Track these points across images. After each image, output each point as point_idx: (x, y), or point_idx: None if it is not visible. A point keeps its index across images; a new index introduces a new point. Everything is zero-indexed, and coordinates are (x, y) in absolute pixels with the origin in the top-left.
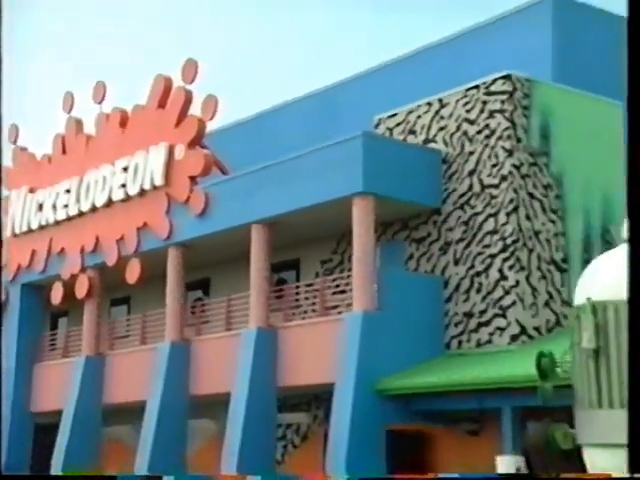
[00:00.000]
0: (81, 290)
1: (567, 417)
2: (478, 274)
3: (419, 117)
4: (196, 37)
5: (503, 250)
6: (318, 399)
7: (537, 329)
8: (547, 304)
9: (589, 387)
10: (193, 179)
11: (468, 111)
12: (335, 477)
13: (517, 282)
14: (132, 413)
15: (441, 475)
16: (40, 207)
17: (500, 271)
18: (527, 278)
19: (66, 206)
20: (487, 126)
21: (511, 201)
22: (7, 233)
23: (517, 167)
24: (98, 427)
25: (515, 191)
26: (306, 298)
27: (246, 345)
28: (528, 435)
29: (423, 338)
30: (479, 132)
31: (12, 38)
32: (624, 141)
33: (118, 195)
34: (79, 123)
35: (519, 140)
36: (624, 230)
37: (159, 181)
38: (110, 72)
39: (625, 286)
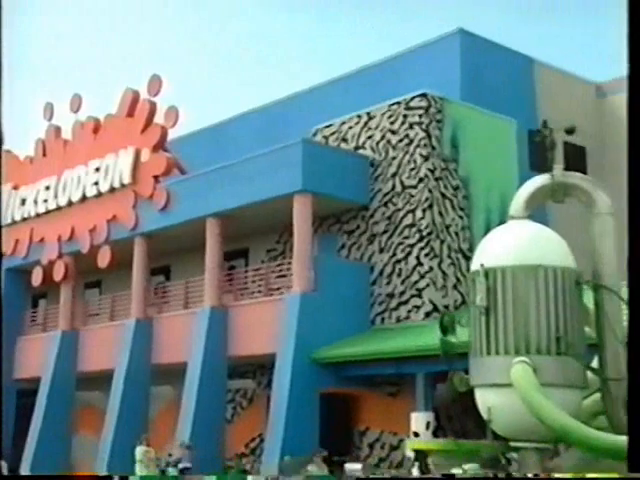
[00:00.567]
0: (58, 274)
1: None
2: (399, 261)
3: (350, 127)
4: (162, 52)
5: (419, 241)
6: (262, 367)
7: (447, 307)
8: (455, 286)
9: (480, 338)
10: (156, 178)
11: (391, 123)
12: None
13: (431, 268)
14: (102, 380)
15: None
16: (23, 202)
17: (417, 258)
18: (439, 265)
19: (45, 201)
20: (407, 136)
21: (426, 200)
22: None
23: (432, 171)
24: (72, 392)
25: (430, 191)
26: (253, 281)
27: (201, 321)
28: (437, 394)
29: (352, 315)
30: (400, 141)
31: None
32: (516, 151)
33: (91, 192)
34: (57, 129)
35: (433, 148)
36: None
37: (127, 180)
38: (85, 85)
39: (510, 254)
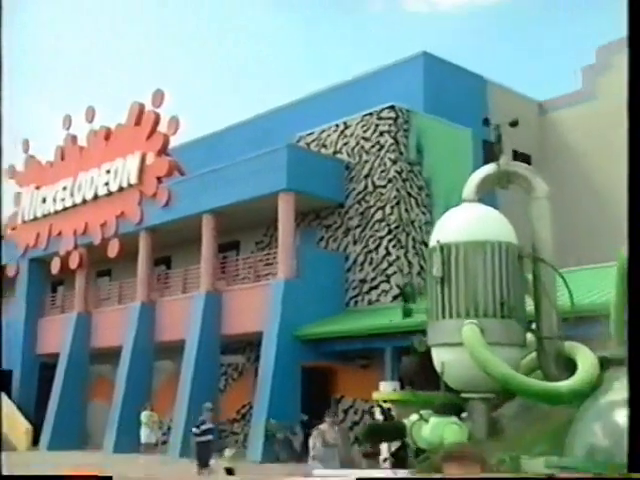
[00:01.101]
0: (74, 263)
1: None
2: (370, 251)
3: (329, 135)
4: (166, 70)
5: (388, 234)
6: (251, 344)
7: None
8: (419, 273)
9: (436, 304)
10: (159, 179)
11: (364, 131)
12: None
13: (398, 257)
14: (112, 355)
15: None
16: (44, 200)
17: (386, 249)
18: (405, 254)
19: (63, 199)
20: (378, 142)
21: (395, 198)
22: (19, 220)
23: (399, 173)
24: (86, 366)
25: (398, 190)
26: (243, 269)
27: (197, 304)
28: (402, 366)
29: (329, 298)
30: (372, 147)
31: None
32: (471, 156)
33: (102, 191)
34: (74, 137)
35: (400, 153)
36: (464, 194)
37: (133, 180)
38: (98, 97)
39: (462, 232)
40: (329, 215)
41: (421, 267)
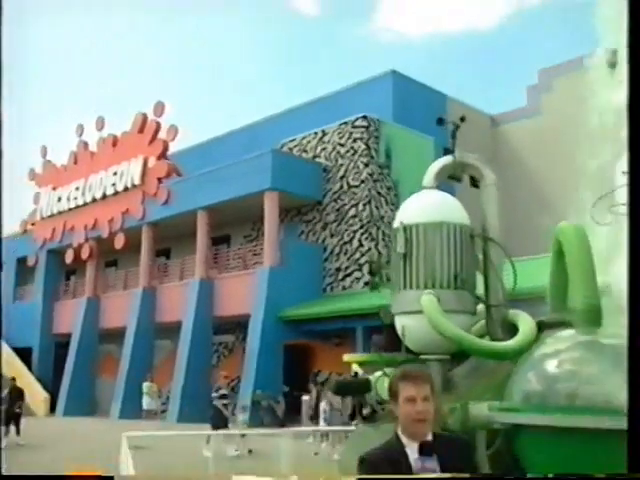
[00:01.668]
0: (85, 254)
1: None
2: (345, 243)
3: (309, 142)
4: (167, 83)
5: (361, 228)
6: (240, 325)
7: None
8: (388, 262)
9: (399, 277)
10: (160, 180)
11: (340, 138)
12: None
13: (369, 248)
14: (118, 335)
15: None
16: (59, 199)
17: (359, 241)
18: (375, 246)
19: (76, 198)
20: (352, 148)
21: (366, 197)
22: (37, 217)
23: (370, 175)
24: (96, 344)
25: (369, 190)
26: (234, 259)
27: (193, 290)
28: (372, 343)
29: (309, 284)
30: (347, 151)
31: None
32: (432, 161)
33: (110, 191)
34: (85, 144)
35: (372, 157)
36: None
37: (137, 181)
38: (107, 108)
39: (422, 214)
40: (309, 211)
41: (390, 257)
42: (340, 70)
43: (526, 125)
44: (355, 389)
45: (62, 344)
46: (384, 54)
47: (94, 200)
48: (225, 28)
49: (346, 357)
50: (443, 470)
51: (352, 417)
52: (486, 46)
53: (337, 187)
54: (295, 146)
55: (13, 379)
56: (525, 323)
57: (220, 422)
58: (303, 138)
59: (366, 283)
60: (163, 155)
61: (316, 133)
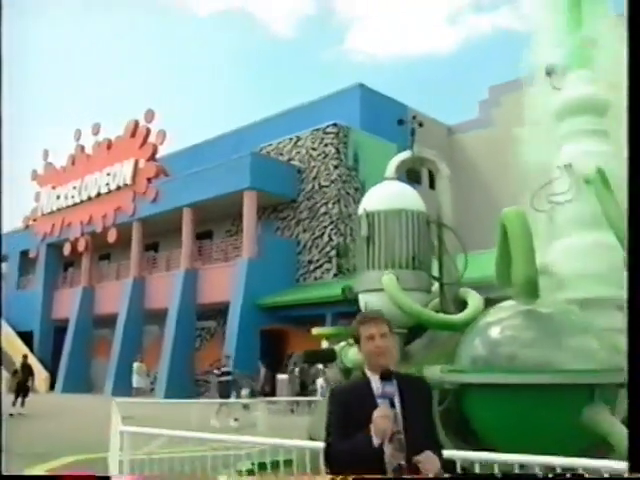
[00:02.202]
0: (81, 247)
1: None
2: (316, 238)
3: (285, 146)
4: (158, 93)
5: (331, 224)
6: (221, 311)
7: (348, 270)
8: (354, 255)
9: (363, 258)
10: (149, 180)
11: (313, 143)
12: None
13: (338, 243)
14: (111, 321)
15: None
16: (58, 197)
17: (329, 236)
18: (344, 241)
19: (73, 197)
20: (323, 152)
21: (336, 196)
22: (38, 214)
23: (340, 176)
24: (91, 329)
25: (339, 190)
26: (216, 252)
27: (178, 280)
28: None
29: (283, 275)
30: (319, 155)
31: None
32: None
33: (104, 190)
34: (82, 147)
35: (341, 161)
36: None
37: (128, 181)
38: (101, 115)
39: (384, 202)
40: (284, 209)
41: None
42: (314, 86)
43: (478, 134)
44: (322, 357)
45: (60, 328)
46: (354, 72)
47: (89, 198)
48: (213, 49)
49: (315, 330)
50: (405, 405)
51: (302, 388)
52: (444, 66)
53: (310, 187)
54: (272, 150)
55: (25, 356)
56: (474, 299)
57: (224, 395)
58: (279, 143)
59: (335, 274)
60: (152, 157)
61: (291, 138)
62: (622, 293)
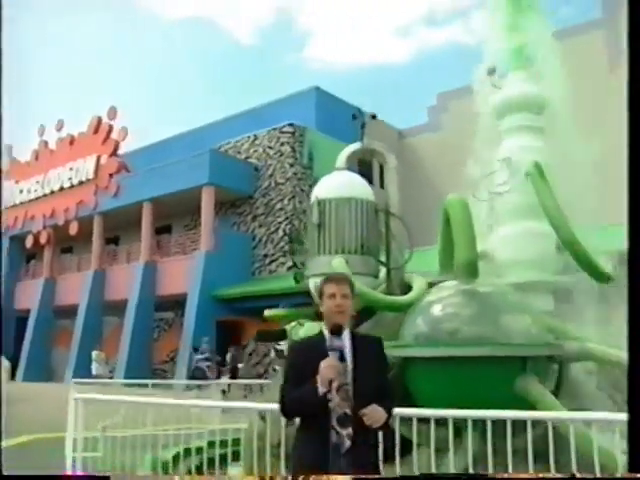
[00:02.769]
0: (43, 239)
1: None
2: (272, 233)
3: (242, 144)
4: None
5: (286, 219)
6: (179, 303)
7: (302, 263)
8: (307, 250)
9: (314, 243)
10: (111, 175)
11: (269, 141)
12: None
13: (291, 228)
14: (72, 311)
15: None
16: (21, 191)
17: (284, 231)
18: (296, 227)
19: (36, 190)
20: (279, 150)
21: (291, 192)
22: (2, 207)
23: (295, 174)
24: (52, 319)
25: (294, 187)
26: (174, 245)
27: (138, 272)
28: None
29: (239, 268)
30: (275, 153)
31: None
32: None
33: (66, 184)
34: (46, 143)
35: (296, 159)
36: (336, 164)
37: (91, 176)
38: (65, 111)
39: (334, 190)
40: (241, 205)
41: (312, 244)
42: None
43: (427, 138)
44: (274, 336)
45: (22, 319)
46: (311, 78)
47: (52, 192)
48: (178, 52)
49: (267, 312)
50: (356, 360)
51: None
52: (397, 74)
53: (266, 184)
54: (230, 148)
55: None
56: (418, 283)
57: (204, 380)
58: (237, 141)
59: (289, 268)
60: (114, 153)
61: (249, 137)
62: (555, 278)
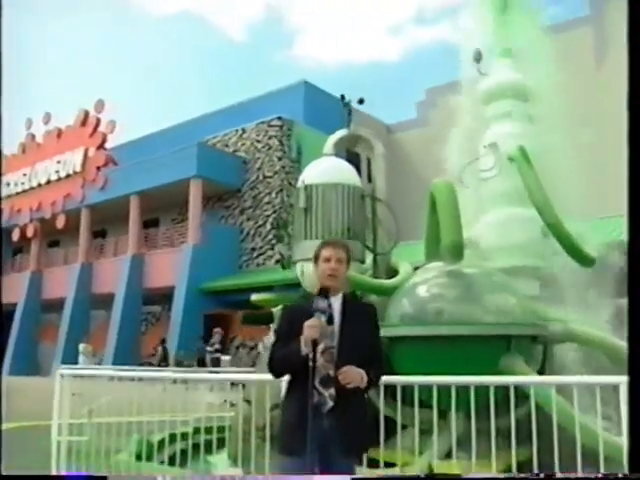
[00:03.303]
0: (30, 233)
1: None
2: (259, 226)
3: (230, 138)
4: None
5: (273, 213)
6: (166, 296)
7: (290, 256)
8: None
9: (300, 229)
10: (98, 168)
11: (257, 135)
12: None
13: (277, 215)
14: (58, 305)
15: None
16: (8, 184)
17: (271, 224)
18: (282, 213)
19: (23, 183)
20: (267, 144)
21: (279, 186)
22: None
23: (283, 167)
24: (38, 313)
25: (282, 181)
26: (162, 239)
27: (125, 264)
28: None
29: (227, 262)
30: (263, 147)
31: None
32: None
33: (54, 177)
34: (33, 136)
35: (284, 152)
36: (324, 150)
37: (78, 169)
38: (52, 104)
39: (321, 176)
40: (229, 198)
41: (299, 237)
42: (263, 85)
43: (416, 133)
44: (260, 320)
45: (9, 313)
46: (301, 74)
47: (39, 185)
48: (169, 48)
49: (254, 297)
50: (345, 323)
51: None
52: (385, 71)
53: (254, 177)
54: (218, 141)
55: None
56: (403, 267)
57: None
58: (225, 135)
59: (277, 261)
60: (102, 146)
61: (237, 130)
62: (540, 263)
